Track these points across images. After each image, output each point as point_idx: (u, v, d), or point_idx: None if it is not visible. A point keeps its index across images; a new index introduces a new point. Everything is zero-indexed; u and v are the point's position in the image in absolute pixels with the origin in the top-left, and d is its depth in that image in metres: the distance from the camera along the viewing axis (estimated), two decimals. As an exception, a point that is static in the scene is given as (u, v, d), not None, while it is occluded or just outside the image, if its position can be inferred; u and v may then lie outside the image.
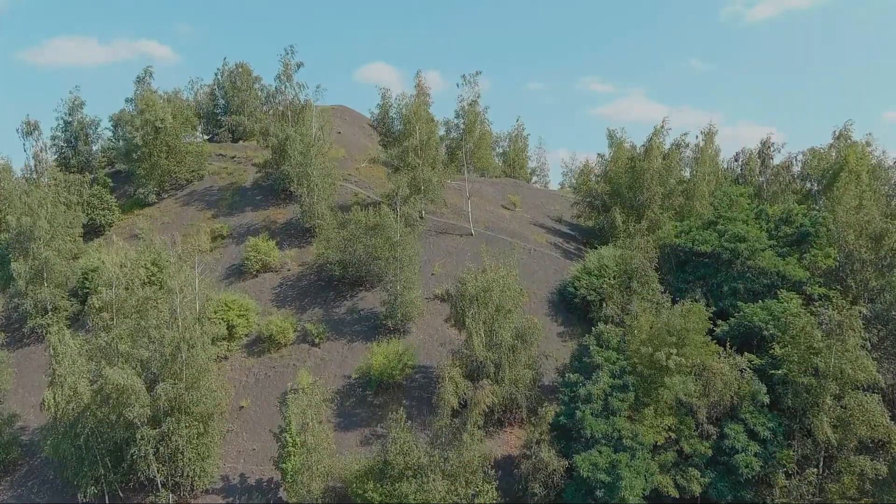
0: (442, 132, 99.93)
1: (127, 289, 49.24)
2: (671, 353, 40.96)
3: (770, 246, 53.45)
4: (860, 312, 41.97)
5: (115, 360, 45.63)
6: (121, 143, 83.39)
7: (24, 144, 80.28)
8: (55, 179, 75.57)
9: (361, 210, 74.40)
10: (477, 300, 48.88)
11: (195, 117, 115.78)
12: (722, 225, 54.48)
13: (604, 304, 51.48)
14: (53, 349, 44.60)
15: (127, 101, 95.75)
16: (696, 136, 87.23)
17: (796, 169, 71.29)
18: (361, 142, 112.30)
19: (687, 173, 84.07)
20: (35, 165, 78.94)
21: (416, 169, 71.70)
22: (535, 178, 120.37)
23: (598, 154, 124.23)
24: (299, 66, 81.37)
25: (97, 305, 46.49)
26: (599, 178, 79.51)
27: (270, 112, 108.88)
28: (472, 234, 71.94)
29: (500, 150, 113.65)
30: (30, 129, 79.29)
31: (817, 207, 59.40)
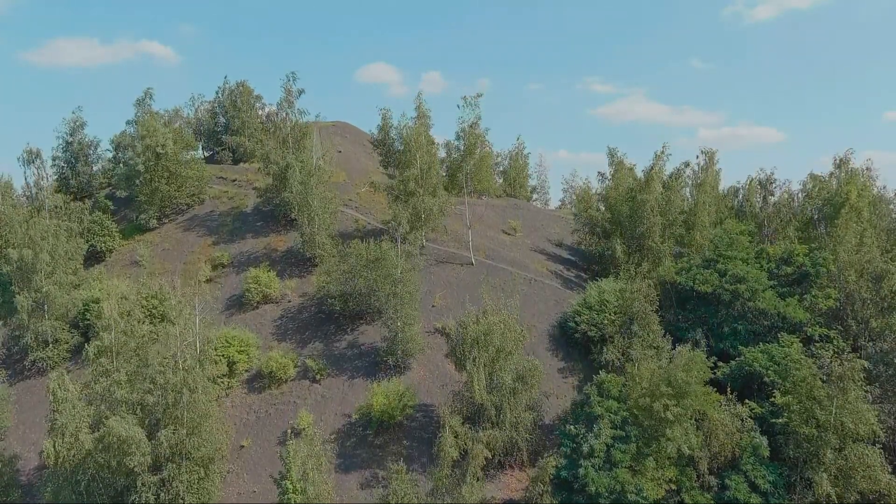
0: (442, 154, 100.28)
1: (126, 333, 49.15)
2: (670, 405, 40.97)
3: (770, 286, 53.46)
4: (862, 366, 41.93)
5: (117, 407, 45.58)
6: (121, 167, 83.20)
7: (24, 172, 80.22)
8: (56, 207, 75.53)
9: (362, 240, 74.38)
10: (478, 343, 48.89)
11: (195, 139, 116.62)
12: (722, 264, 54.46)
13: (605, 348, 51.41)
14: (53, 395, 44.54)
15: (127, 123, 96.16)
16: (697, 157, 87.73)
17: (798, 198, 71.32)
18: (362, 161, 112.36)
19: (687, 192, 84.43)
20: (36, 193, 78.74)
21: (417, 198, 71.77)
22: (535, 196, 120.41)
23: (599, 172, 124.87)
24: (301, 92, 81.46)
25: (95, 353, 46.36)
26: (600, 201, 79.39)
27: (272, 130, 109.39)
28: (472, 264, 71.94)
29: (501, 169, 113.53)
30: (31, 158, 79.19)
31: (817, 244, 59.36)
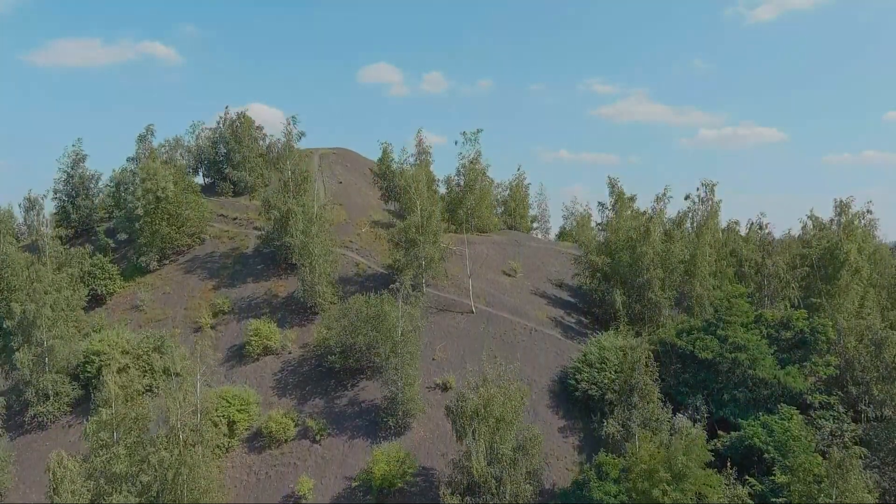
0: (443, 190, 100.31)
1: (126, 400, 49.18)
2: (668, 490, 40.96)
3: (771, 352, 53.42)
4: (862, 452, 41.90)
5: (116, 482, 45.63)
6: (121, 212, 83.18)
7: (24, 218, 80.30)
8: (57, 252, 75.46)
9: (362, 286, 74.65)
10: (478, 415, 48.83)
11: (196, 167, 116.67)
12: (723, 329, 54.41)
13: (605, 421, 51.34)
14: (53, 475, 44.56)
15: (129, 160, 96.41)
16: (698, 189, 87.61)
17: (797, 246, 71.22)
18: (363, 191, 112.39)
19: (689, 225, 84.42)
20: (36, 241, 78.71)
21: (418, 246, 71.84)
22: (536, 225, 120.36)
23: (599, 203, 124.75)
24: (301, 135, 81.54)
25: (94, 429, 46.36)
26: (600, 248, 79.18)
27: (272, 160, 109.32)
28: (472, 312, 71.93)
29: (501, 199, 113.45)
30: (31, 205, 79.14)
31: (817, 301, 59.37)
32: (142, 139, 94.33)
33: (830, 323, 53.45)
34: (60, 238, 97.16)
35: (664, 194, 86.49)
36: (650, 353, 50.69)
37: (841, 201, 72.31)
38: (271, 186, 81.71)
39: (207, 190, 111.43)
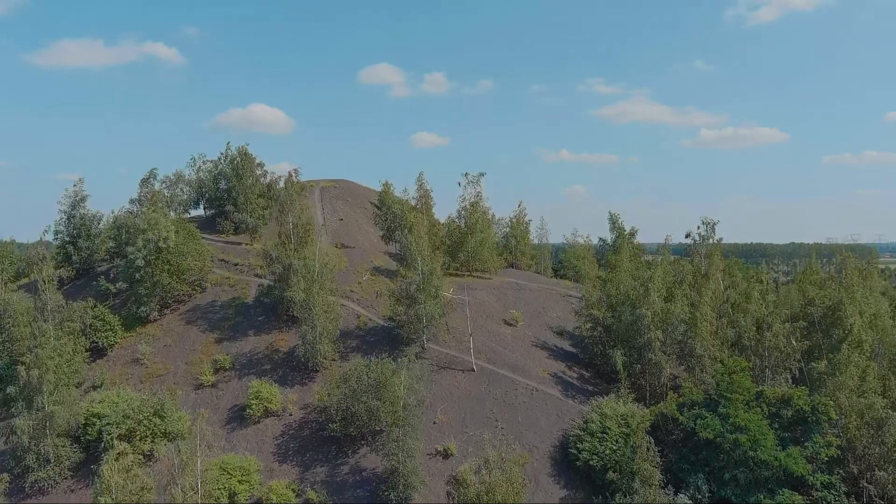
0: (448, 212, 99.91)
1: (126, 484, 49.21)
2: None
3: (772, 431, 53.49)
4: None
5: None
6: (122, 261, 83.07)
7: (30, 275, 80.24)
8: (59, 307, 75.32)
9: (363, 343, 74.73)
10: (480, 501, 48.95)
11: (196, 201, 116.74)
12: (724, 408, 54.50)
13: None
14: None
15: (131, 201, 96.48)
16: (699, 227, 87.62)
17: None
18: (364, 228, 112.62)
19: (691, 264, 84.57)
20: (38, 296, 78.52)
21: (419, 304, 71.98)
22: (534, 264, 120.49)
23: (601, 239, 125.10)
24: (302, 188, 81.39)
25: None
26: (601, 300, 79.25)
27: (272, 197, 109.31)
28: (473, 370, 71.98)
29: (502, 235, 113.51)
30: (37, 259, 78.82)
31: (817, 372, 59.56)
32: (144, 182, 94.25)
33: (832, 403, 53.57)
34: (62, 279, 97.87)
35: (665, 245, 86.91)
36: (650, 440, 50.71)
37: (841, 259, 72.32)
38: (272, 241, 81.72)
39: (208, 225, 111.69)
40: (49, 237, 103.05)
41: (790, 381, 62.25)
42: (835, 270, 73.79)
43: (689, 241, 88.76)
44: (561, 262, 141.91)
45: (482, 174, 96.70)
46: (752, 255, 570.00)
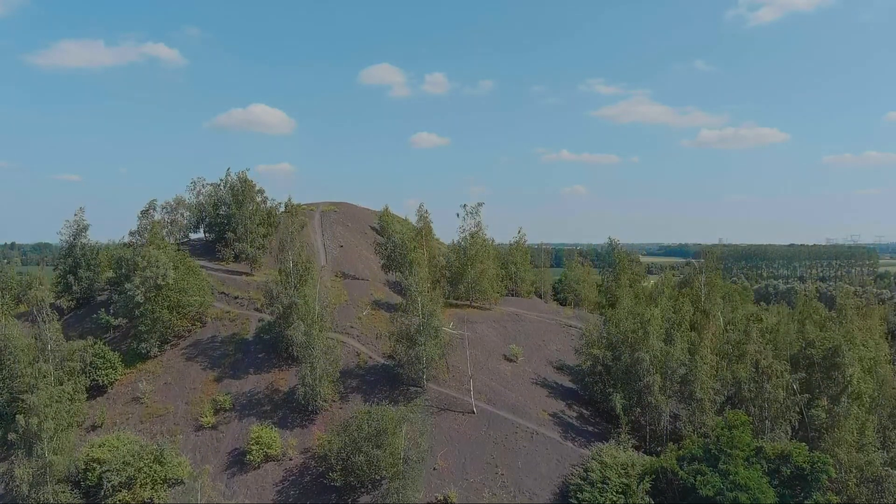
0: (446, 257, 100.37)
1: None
2: None
3: (771, 488, 53.60)
4: None
5: None
6: (121, 296, 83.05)
7: (34, 318, 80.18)
8: (59, 346, 75.38)
9: (363, 382, 74.78)
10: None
11: (196, 225, 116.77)
12: (723, 464, 54.61)
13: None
14: None
15: (131, 234, 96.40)
16: (699, 258, 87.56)
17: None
18: (364, 255, 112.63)
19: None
20: (38, 336, 78.57)
21: (419, 346, 72.13)
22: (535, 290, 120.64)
23: (602, 270, 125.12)
24: (303, 226, 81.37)
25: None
26: (601, 339, 79.24)
27: (271, 223, 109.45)
28: (473, 412, 72.07)
29: (502, 262, 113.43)
30: (39, 307, 78.78)
31: (818, 412, 59.66)
32: (144, 214, 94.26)
33: (830, 460, 53.64)
34: (62, 309, 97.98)
35: (665, 282, 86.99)
36: (650, 501, 50.79)
37: (840, 303, 72.23)
38: (272, 274, 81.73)
39: (208, 250, 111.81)
40: (48, 266, 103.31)
41: (790, 432, 62.37)
42: (835, 311, 73.73)
43: (690, 262, 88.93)
44: (561, 280, 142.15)
45: (480, 204, 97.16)
46: (753, 257, 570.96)
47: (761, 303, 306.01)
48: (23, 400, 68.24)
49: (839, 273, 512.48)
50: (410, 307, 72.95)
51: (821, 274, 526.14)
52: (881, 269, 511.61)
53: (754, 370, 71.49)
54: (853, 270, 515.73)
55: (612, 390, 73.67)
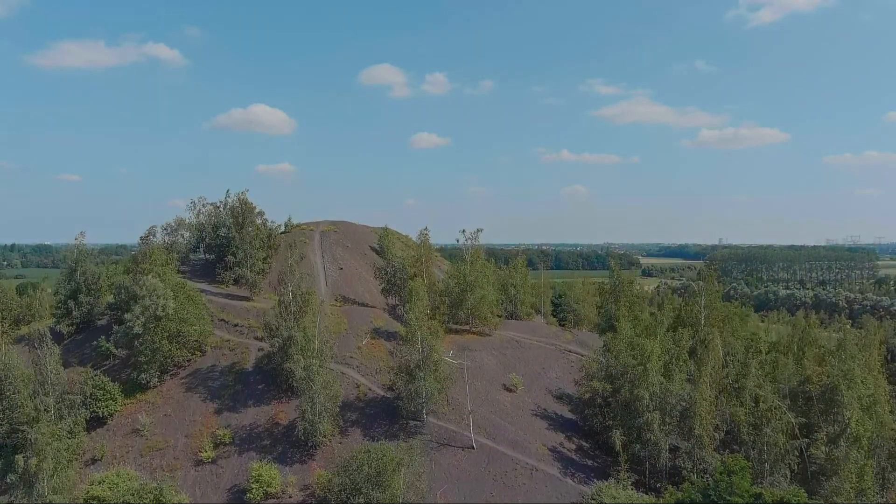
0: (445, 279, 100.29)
1: None
2: None
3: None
4: None
5: None
6: (121, 326, 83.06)
7: (34, 352, 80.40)
8: (59, 378, 75.45)
9: (363, 416, 74.87)
10: None
11: (197, 245, 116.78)
12: (723, 510, 54.67)
13: None
14: None
15: (131, 259, 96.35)
16: (698, 285, 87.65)
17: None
18: (363, 277, 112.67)
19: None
20: (39, 369, 78.70)
21: (419, 382, 72.27)
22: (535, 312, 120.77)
23: (600, 286, 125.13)
24: (302, 257, 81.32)
25: None
26: (600, 370, 79.25)
27: (270, 245, 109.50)
28: (473, 447, 72.13)
29: (502, 283, 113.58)
30: (40, 340, 78.78)
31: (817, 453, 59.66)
32: (144, 240, 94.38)
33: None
34: (62, 334, 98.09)
35: (663, 312, 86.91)
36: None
37: (840, 339, 72.40)
38: (272, 303, 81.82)
39: (208, 272, 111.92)
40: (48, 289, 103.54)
41: (789, 477, 62.43)
42: (835, 344, 73.77)
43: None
44: (561, 296, 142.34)
45: (480, 230, 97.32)
46: (753, 260, 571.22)
47: (762, 311, 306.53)
48: (23, 431, 68.67)
49: (839, 277, 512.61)
50: (410, 340, 73.00)
51: (821, 277, 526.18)
52: (881, 273, 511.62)
53: (753, 405, 71.61)
54: (853, 274, 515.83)
55: (611, 422, 73.83)
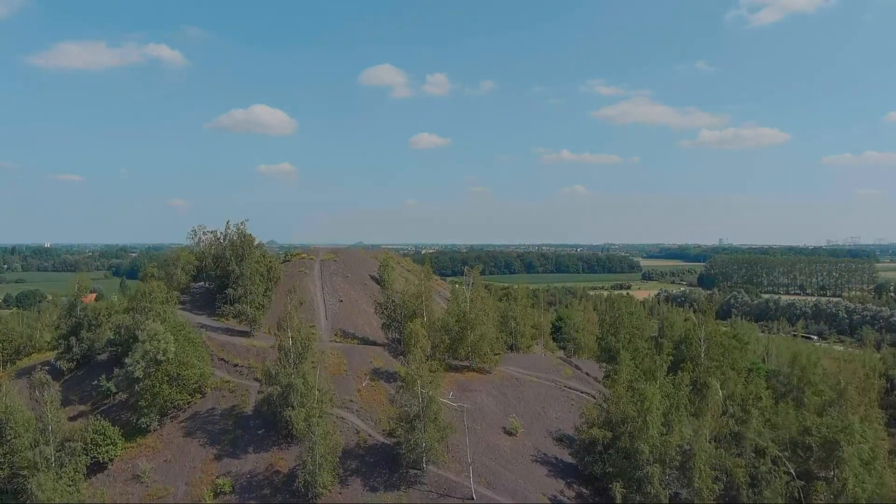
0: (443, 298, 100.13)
1: None
2: None
3: None
4: None
5: None
6: (121, 370, 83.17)
7: (33, 395, 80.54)
8: (60, 426, 75.50)
9: (363, 464, 74.91)
10: None
11: (198, 272, 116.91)
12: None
13: None
14: None
15: (131, 299, 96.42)
16: (696, 314, 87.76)
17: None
18: (363, 309, 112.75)
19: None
20: (39, 416, 78.78)
21: (418, 433, 72.35)
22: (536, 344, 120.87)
23: (599, 310, 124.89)
24: (301, 303, 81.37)
25: None
26: (599, 416, 79.30)
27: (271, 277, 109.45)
28: (473, 499, 72.17)
29: (502, 315, 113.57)
30: (40, 385, 78.79)
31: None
32: (144, 277, 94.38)
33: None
34: (62, 371, 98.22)
35: (664, 354, 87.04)
36: None
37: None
38: (270, 346, 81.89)
39: (207, 302, 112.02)
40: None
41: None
42: (835, 392, 73.86)
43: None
44: (560, 320, 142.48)
45: (480, 269, 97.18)
46: (753, 265, 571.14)
47: (762, 322, 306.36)
48: (23, 476, 69.14)
49: (839, 282, 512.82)
50: (410, 388, 73.08)
51: (821, 282, 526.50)
52: (880, 277, 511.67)
53: (753, 455, 71.73)
54: (853, 278, 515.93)
55: (611, 469, 73.87)
